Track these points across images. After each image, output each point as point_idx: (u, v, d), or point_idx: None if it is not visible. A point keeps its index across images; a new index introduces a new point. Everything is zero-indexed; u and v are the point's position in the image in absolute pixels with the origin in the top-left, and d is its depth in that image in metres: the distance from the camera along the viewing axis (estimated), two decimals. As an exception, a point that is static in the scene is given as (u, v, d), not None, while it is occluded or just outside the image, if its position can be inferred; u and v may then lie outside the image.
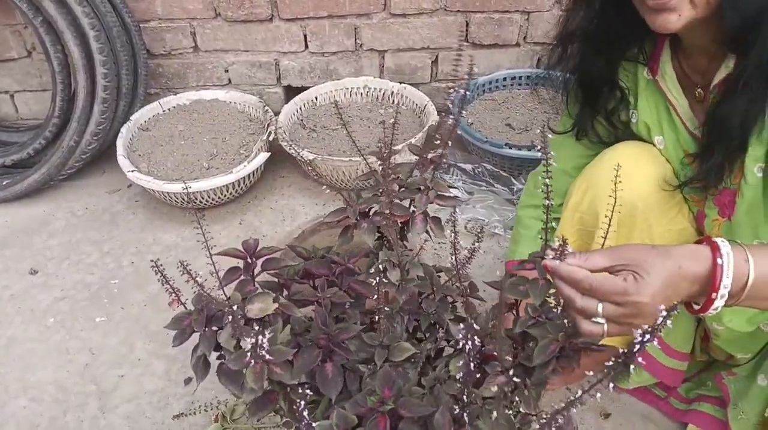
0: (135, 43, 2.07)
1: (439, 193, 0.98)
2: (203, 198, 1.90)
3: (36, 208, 2.05)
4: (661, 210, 1.12)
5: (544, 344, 0.82)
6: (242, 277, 0.93)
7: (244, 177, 1.90)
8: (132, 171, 1.90)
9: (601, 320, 0.81)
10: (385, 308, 0.87)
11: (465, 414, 0.77)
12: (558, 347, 0.82)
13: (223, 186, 1.88)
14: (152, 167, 1.98)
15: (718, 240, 0.81)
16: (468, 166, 1.96)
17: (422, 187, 0.99)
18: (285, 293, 0.98)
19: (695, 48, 1.02)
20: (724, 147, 0.97)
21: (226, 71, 2.26)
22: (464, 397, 0.77)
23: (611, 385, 0.73)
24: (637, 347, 0.67)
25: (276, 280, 1.00)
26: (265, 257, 0.95)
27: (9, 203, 2.06)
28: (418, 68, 2.23)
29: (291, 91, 2.28)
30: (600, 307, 0.80)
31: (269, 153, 1.95)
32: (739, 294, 0.80)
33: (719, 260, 0.79)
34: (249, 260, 0.94)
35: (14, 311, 1.69)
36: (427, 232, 1.00)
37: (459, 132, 2.00)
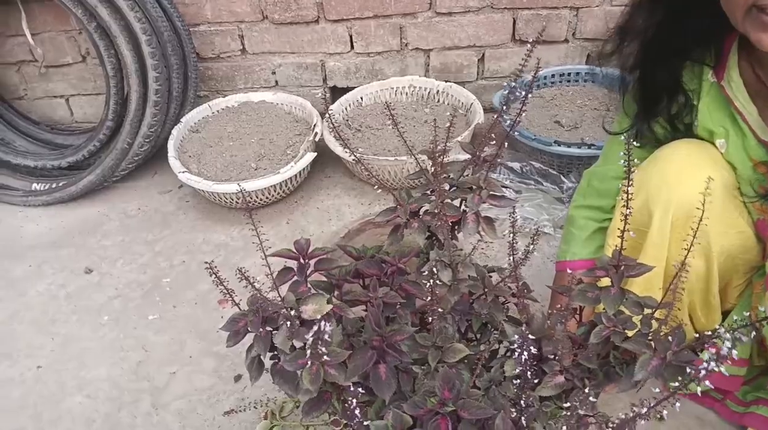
0: (185, 47, 2.10)
1: (492, 192, 0.97)
2: (251, 198, 1.92)
3: (90, 209, 2.11)
4: (719, 213, 1.08)
5: (645, 359, 0.82)
6: (295, 277, 0.93)
7: (291, 177, 1.91)
8: (183, 172, 1.93)
9: None
10: (438, 309, 0.86)
11: (523, 417, 0.76)
12: (660, 364, 0.81)
13: (271, 186, 1.89)
14: (202, 168, 2.01)
15: None
16: (516, 165, 1.93)
17: (474, 187, 0.98)
18: (336, 293, 0.98)
19: None
20: None
21: (273, 73, 2.28)
22: (521, 400, 0.76)
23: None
24: (703, 373, 0.66)
25: (327, 280, 1.00)
26: (318, 258, 0.95)
27: (65, 204, 2.12)
28: (464, 66, 2.21)
29: (337, 92, 2.29)
30: None
31: (315, 153, 1.96)
32: None
33: None
34: (302, 261, 0.94)
35: (70, 309, 1.74)
36: (478, 232, 0.99)
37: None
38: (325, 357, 0.76)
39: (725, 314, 1.24)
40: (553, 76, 2.16)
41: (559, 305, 1.12)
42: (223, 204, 1.99)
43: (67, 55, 2.27)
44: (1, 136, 2.24)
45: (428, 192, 1.02)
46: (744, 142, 1.07)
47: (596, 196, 1.30)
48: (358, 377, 0.82)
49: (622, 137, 1.21)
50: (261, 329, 0.85)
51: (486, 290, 0.98)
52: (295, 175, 1.94)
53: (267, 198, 1.95)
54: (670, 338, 0.83)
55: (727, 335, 0.69)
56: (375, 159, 1.87)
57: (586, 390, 0.79)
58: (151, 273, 1.83)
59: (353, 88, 2.22)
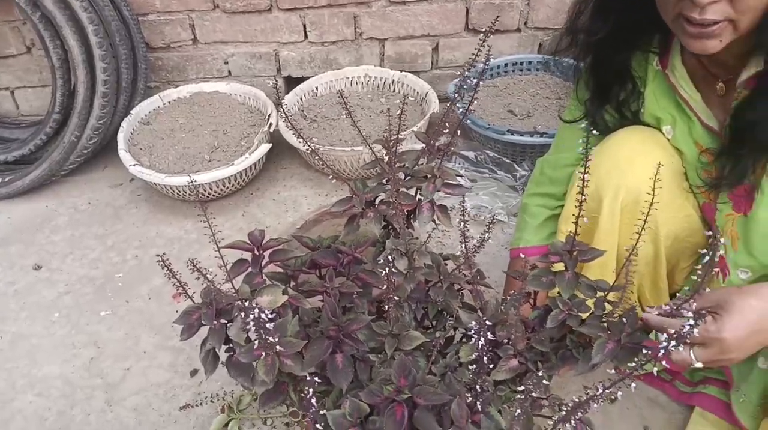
0: (134, 37, 2.05)
1: (446, 181, 0.97)
2: (205, 191, 1.89)
3: (39, 204, 2.05)
4: (667, 198, 1.11)
5: (601, 342, 0.83)
6: (250, 269, 0.92)
7: (245, 169, 1.89)
8: (134, 165, 1.89)
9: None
10: (394, 298, 0.87)
11: (478, 402, 0.77)
12: (616, 347, 0.83)
13: (225, 178, 1.87)
14: (154, 161, 1.97)
15: None
16: (470, 154, 1.95)
17: (429, 176, 0.99)
18: (293, 284, 0.98)
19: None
20: (751, 148, 0.96)
21: (226, 63, 2.25)
22: (476, 385, 0.77)
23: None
24: (662, 353, 0.68)
25: (283, 271, 1.00)
26: (273, 249, 0.94)
27: (11, 200, 2.06)
28: (419, 56, 2.22)
29: (291, 82, 2.27)
30: (691, 354, 0.86)
31: (270, 144, 1.95)
32: None
33: None
34: (257, 252, 0.93)
35: (19, 306, 1.69)
36: (433, 220, 1.00)
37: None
38: (278, 348, 0.75)
39: (672, 297, 1.28)
40: (506, 65, 2.18)
41: (513, 291, 1.13)
42: (176, 197, 1.95)
43: (11, 46, 2.19)
44: (-59, 129, 2.16)
45: (383, 181, 1.02)
46: (690, 129, 1.10)
47: (549, 183, 1.32)
48: (315, 367, 0.82)
49: (582, 125, 1.23)
50: (215, 322, 0.84)
51: (441, 277, 0.99)
52: (250, 167, 1.92)
53: (221, 190, 1.93)
54: (623, 320, 0.85)
55: (690, 314, 0.71)
56: (331, 149, 1.87)
57: (540, 373, 0.81)
58: (103, 268, 1.79)
59: (308, 78, 2.21)
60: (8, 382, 1.50)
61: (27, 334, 1.62)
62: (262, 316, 0.71)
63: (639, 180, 1.09)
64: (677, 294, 1.25)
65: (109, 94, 1.95)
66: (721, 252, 1.09)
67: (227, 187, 1.93)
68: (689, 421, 1.25)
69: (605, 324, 0.87)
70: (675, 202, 1.13)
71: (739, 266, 1.05)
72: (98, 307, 1.67)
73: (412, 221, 1.03)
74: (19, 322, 1.65)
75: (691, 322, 0.69)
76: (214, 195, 1.94)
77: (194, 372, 1.47)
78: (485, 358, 0.78)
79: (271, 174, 2.07)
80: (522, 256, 1.26)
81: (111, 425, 1.38)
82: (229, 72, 2.28)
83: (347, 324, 0.86)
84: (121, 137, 1.99)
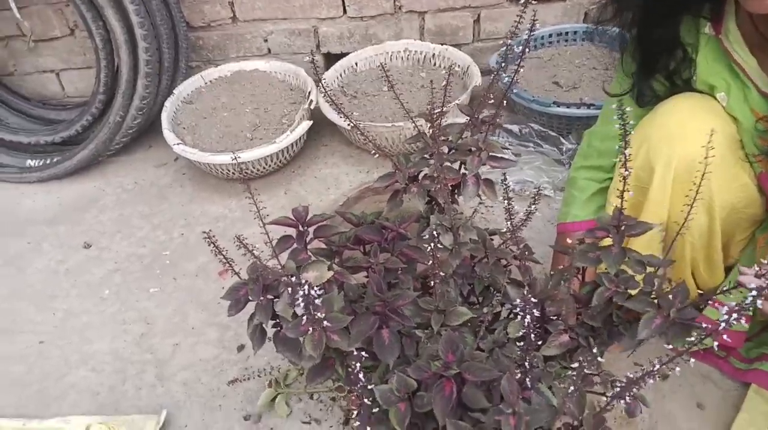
0: (174, 16, 2.06)
1: (491, 154, 0.95)
2: (248, 169, 1.90)
3: (86, 184, 2.09)
4: (721, 166, 1.07)
5: (648, 317, 0.81)
6: (295, 245, 0.92)
7: (287, 147, 1.89)
8: (177, 144, 1.91)
9: None
10: (440, 273, 0.85)
11: (528, 378, 0.75)
12: (663, 322, 0.80)
13: (267, 156, 1.87)
14: (197, 140, 1.99)
15: None
16: (514, 127, 1.91)
17: (473, 149, 0.96)
18: (337, 260, 0.97)
19: None
20: None
21: (266, 41, 2.25)
22: (525, 361, 0.76)
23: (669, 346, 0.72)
24: (723, 325, 0.66)
25: (328, 247, 0.99)
26: (317, 224, 0.94)
27: (60, 180, 2.11)
28: (460, 28, 2.17)
29: (331, 58, 2.25)
30: None
31: (311, 122, 1.94)
32: None
33: None
34: (301, 228, 0.93)
35: (70, 284, 1.74)
36: (478, 195, 0.98)
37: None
38: (325, 323, 0.75)
39: (727, 271, 1.23)
40: (550, 35, 2.12)
41: (560, 266, 1.11)
42: (219, 175, 1.97)
43: (55, 28, 2.22)
44: (-8, 113, 2.21)
45: (426, 156, 1.00)
46: (746, 95, 1.05)
47: (597, 156, 1.28)
48: (361, 343, 0.81)
49: (614, 104, 1.18)
50: (262, 297, 0.85)
51: (487, 252, 0.97)
52: (292, 145, 1.92)
53: (264, 168, 1.93)
54: (672, 295, 0.82)
55: (753, 285, 0.68)
56: (372, 125, 1.85)
57: (594, 350, 0.79)
58: (150, 246, 1.82)
59: (347, 53, 2.19)
60: (61, 357, 1.54)
61: (78, 311, 1.66)
62: (312, 292, 0.71)
63: (692, 148, 1.04)
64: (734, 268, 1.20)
65: (151, 74, 1.97)
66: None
67: (269, 166, 1.93)
68: (745, 398, 1.22)
69: (654, 300, 0.84)
70: (730, 170, 1.09)
71: None
72: (147, 284, 1.70)
73: (456, 195, 1.02)
74: (71, 299, 1.69)
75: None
76: (256, 173, 1.94)
77: (241, 347, 1.48)
78: (533, 334, 0.77)
79: (312, 152, 2.07)
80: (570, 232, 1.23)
81: (161, 400, 1.41)
82: (269, 50, 2.27)
83: (393, 300, 0.85)
84: (164, 117, 2.01)
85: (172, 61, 2.08)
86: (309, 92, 2.03)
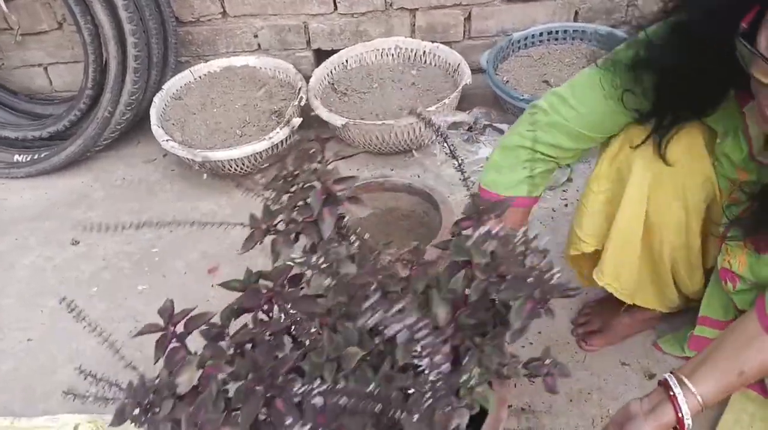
0: (163, 11, 2.05)
1: (335, 179, 0.87)
2: (238, 166, 1.89)
3: (74, 179, 2.08)
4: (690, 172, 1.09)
5: (519, 305, 0.75)
6: (170, 345, 0.89)
7: (277, 143, 1.89)
8: (166, 140, 1.90)
9: None
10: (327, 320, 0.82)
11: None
12: (534, 305, 0.75)
13: (257, 153, 1.87)
14: (186, 136, 1.98)
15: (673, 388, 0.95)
16: (504, 126, 1.91)
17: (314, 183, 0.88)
18: (227, 340, 0.92)
19: None
20: None
21: (256, 36, 2.23)
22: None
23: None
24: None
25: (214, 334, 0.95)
26: (185, 319, 0.92)
27: (48, 176, 2.09)
28: (451, 26, 2.17)
29: (321, 55, 2.25)
30: None
31: (301, 119, 1.93)
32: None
33: (679, 414, 0.94)
34: (170, 328, 0.90)
35: (58, 281, 1.73)
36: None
37: (494, 90, 1.95)
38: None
39: (708, 273, 1.24)
40: (541, 34, 2.13)
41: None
42: (209, 172, 1.96)
43: (42, 22, 2.20)
44: (-22, 107, 2.19)
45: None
46: (740, 152, 1.05)
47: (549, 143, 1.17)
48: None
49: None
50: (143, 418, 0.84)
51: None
52: (282, 142, 1.91)
53: (253, 165, 1.93)
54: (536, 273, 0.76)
55: None
56: (362, 123, 1.85)
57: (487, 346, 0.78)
58: (139, 243, 1.81)
59: (338, 50, 2.18)
60: (49, 355, 1.54)
61: (66, 309, 1.64)
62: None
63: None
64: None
65: (140, 69, 1.96)
66: (728, 266, 1.08)
67: (259, 162, 1.93)
68: (730, 399, 1.23)
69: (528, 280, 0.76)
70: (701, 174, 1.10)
71: (745, 280, 1.06)
72: (136, 281, 1.69)
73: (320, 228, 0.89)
74: (59, 296, 1.68)
75: None
76: (246, 170, 1.94)
77: (230, 346, 1.48)
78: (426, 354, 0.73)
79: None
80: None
81: (150, 398, 1.41)
82: (259, 45, 2.26)
83: (273, 370, 0.79)
84: (153, 113, 2.00)
85: (161, 56, 2.07)
86: (299, 89, 2.02)
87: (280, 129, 1.88)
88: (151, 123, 1.97)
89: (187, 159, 1.90)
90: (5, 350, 1.56)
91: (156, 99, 2.04)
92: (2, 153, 2.12)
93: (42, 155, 2.09)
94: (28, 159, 2.09)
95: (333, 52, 2.19)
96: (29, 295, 1.70)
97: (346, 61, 2.18)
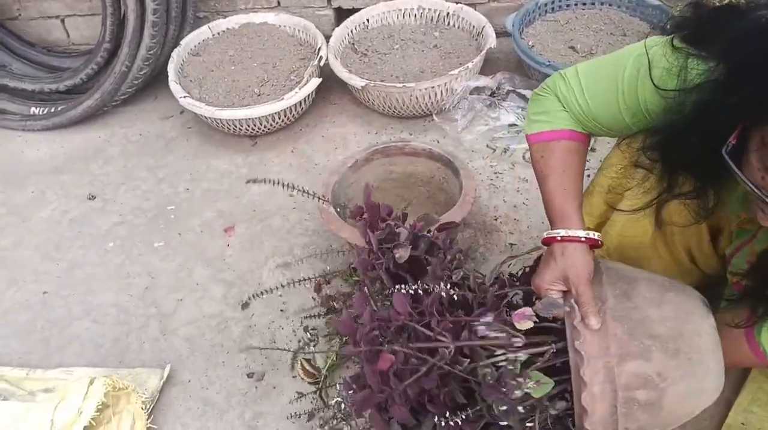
0: (183, -36, 2.01)
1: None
2: (255, 125, 1.87)
3: (91, 134, 2.06)
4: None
5: None
6: None
7: (295, 104, 1.86)
8: (184, 97, 1.88)
9: None
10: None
11: None
12: None
13: (275, 113, 1.84)
14: (204, 93, 1.95)
15: None
16: (527, 92, 1.87)
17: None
18: None
19: None
20: None
21: (275, -8, 2.19)
22: None
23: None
24: None
25: None
26: None
27: (64, 129, 2.08)
28: (476, -13, 2.12)
29: (342, 14, 2.20)
30: None
31: (320, 79, 1.90)
32: None
33: None
34: None
35: (74, 235, 1.73)
36: None
37: (519, 55, 1.90)
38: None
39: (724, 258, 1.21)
40: (568, -2, 2.07)
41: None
42: (226, 131, 1.94)
43: (60, -28, 2.17)
44: (-4, 58, 2.17)
45: None
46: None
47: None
48: None
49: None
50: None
51: None
52: (300, 102, 1.88)
53: (271, 125, 1.90)
54: None
55: None
56: (382, 85, 1.82)
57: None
58: (155, 200, 1.80)
59: (359, 9, 2.13)
60: (65, 308, 1.54)
61: (82, 262, 1.65)
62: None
63: None
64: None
65: (158, 23, 1.93)
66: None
67: (277, 123, 1.90)
68: (748, 376, 1.21)
69: None
70: None
71: None
72: (151, 238, 1.69)
73: None
74: (74, 250, 1.69)
75: None
76: (263, 130, 1.92)
77: (245, 305, 1.48)
78: None
79: (320, 110, 2.04)
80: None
81: (165, 354, 1.41)
82: (278, 2, 2.22)
83: None
84: (171, 68, 1.98)
85: (179, 10, 2.04)
86: (319, 48, 1.98)
87: (299, 89, 1.85)
88: (169, 79, 1.94)
89: (204, 117, 1.88)
90: (21, 302, 1.57)
91: (174, 54, 2.02)
92: (19, 105, 2.11)
93: (59, 108, 2.07)
94: (45, 112, 2.08)
95: (354, 11, 2.14)
96: (45, 248, 1.70)
97: (367, 20, 2.13)
